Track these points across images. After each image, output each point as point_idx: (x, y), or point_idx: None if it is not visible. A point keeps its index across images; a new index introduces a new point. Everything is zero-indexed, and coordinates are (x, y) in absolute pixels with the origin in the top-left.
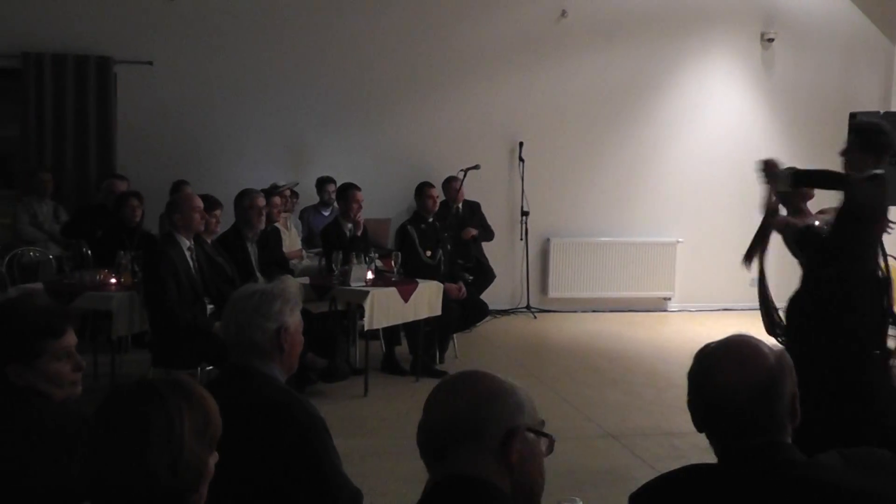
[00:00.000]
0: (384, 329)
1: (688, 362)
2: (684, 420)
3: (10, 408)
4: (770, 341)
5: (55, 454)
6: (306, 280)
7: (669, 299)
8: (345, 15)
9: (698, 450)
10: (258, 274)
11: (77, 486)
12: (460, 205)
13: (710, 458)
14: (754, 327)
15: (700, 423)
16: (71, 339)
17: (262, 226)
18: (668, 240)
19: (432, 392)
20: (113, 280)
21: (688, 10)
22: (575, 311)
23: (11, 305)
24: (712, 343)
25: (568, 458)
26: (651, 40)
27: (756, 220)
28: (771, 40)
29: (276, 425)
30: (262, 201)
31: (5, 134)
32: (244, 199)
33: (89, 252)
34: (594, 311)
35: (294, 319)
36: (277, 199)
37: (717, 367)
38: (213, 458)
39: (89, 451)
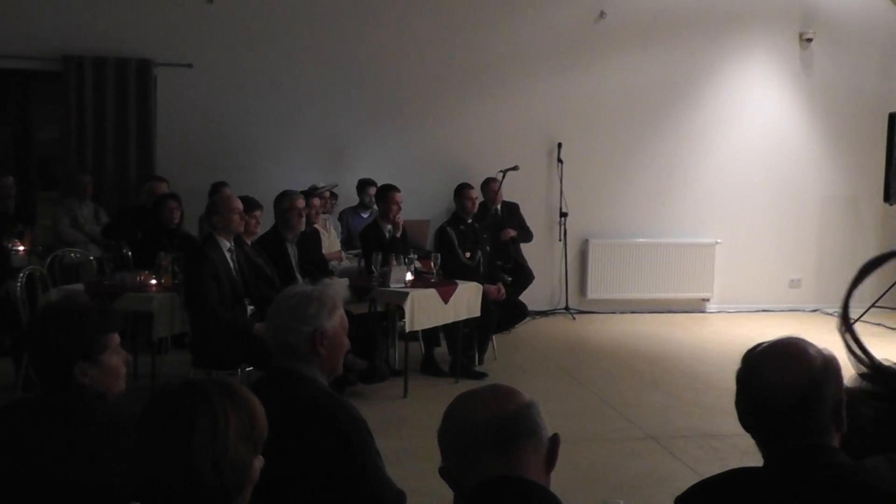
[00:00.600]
0: (423, 330)
1: (727, 364)
2: (724, 422)
3: (73, 406)
4: (821, 344)
5: (109, 453)
6: (346, 281)
7: (708, 300)
8: (384, 16)
9: (738, 452)
10: (298, 275)
11: (125, 485)
12: (499, 206)
13: (751, 460)
14: (793, 328)
15: (745, 424)
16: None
17: (302, 227)
18: (707, 241)
19: (468, 399)
20: (153, 281)
21: (726, 10)
22: (614, 313)
23: (71, 305)
24: (761, 344)
25: (609, 460)
26: (689, 40)
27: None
28: (809, 40)
29: (318, 428)
30: (301, 203)
31: (47, 136)
32: (284, 201)
33: (129, 253)
34: (633, 313)
35: (332, 323)
36: (317, 201)
37: (761, 367)
38: (259, 462)
39: (136, 449)
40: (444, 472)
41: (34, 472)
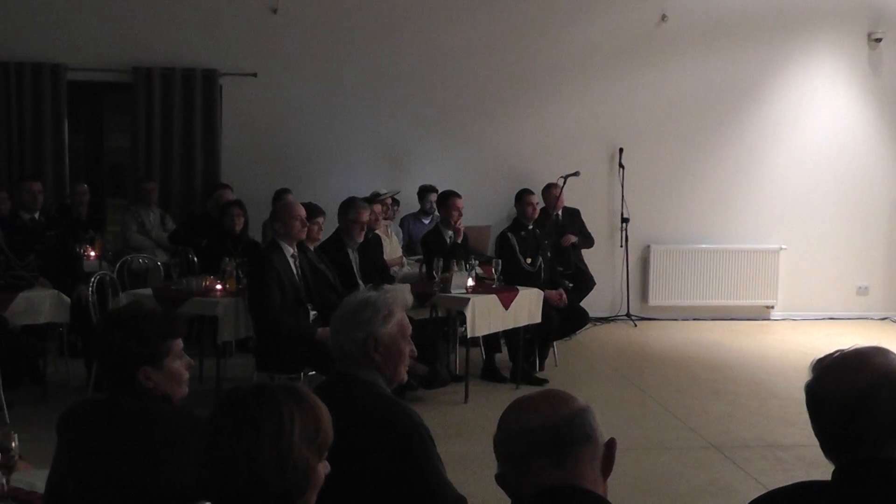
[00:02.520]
0: (484, 336)
1: (791, 373)
2: (789, 432)
3: (139, 408)
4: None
5: (174, 453)
6: (408, 287)
7: (772, 307)
8: (445, 23)
9: (803, 463)
10: (360, 281)
11: (192, 485)
12: (560, 212)
13: (817, 472)
14: (860, 337)
15: (816, 436)
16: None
17: (362, 239)
18: (771, 246)
19: (522, 406)
20: (218, 286)
21: (791, 10)
22: (675, 320)
23: (136, 311)
24: (834, 352)
25: (670, 470)
26: (752, 42)
27: (862, 225)
28: (878, 40)
29: (380, 433)
30: (365, 217)
31: (117, 145)
32: (349, 212)
33: (195, 259)
34: (695, 320)
35: (387, 329)
36: (378, 207)
37: (822, 376)
38: (324, 468)
39: (203, 449)
40: (501, 479)
41: (102, 470)
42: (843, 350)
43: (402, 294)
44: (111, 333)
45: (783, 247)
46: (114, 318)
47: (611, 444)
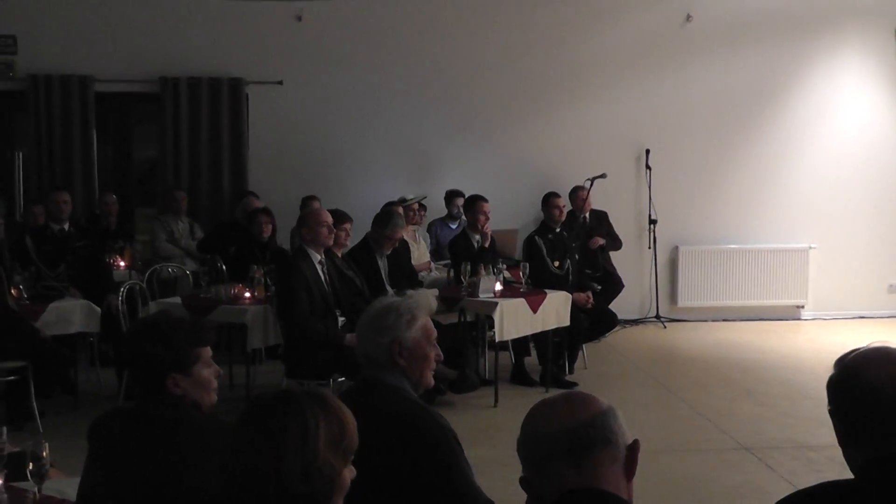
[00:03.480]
0: (513, 340)
1: (823, 372)
2: (821, 432)
3: (169, 415)
4: None
5: (203, 459)
6: (435, 292)
7: (803, 307)
8: (467, 29)
9: (836, 464)
10: (388, 287)
11: (219, 490)
12: (587, 214)
13: (849, 472)
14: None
15: (840, 432)
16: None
17: (390, 251)
18: (801, 245)
19: (543, 408)
20: (247, 294)
21: (816, 7)
22: (705, 321)
23: (164, 320)
24: (854, 350)
25: (701, 471)
26: (778, 40)
27: (892, 223)
28: None
29: (406, 437)
30: (400, 234)
31: (145, 155)
32: (387, 227)
33: (224, 267)
34: (725, 321)
35: (411, 333)
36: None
37: (856, 370)
38: (349, 472)
39: (229, 455)
40: (524, 483)
41: (133, 478)
42: (861, 348)
43: (427, 298)
44: (141, 341)
45: (813, 245)
46: (143, 326)
47: (633, 446)
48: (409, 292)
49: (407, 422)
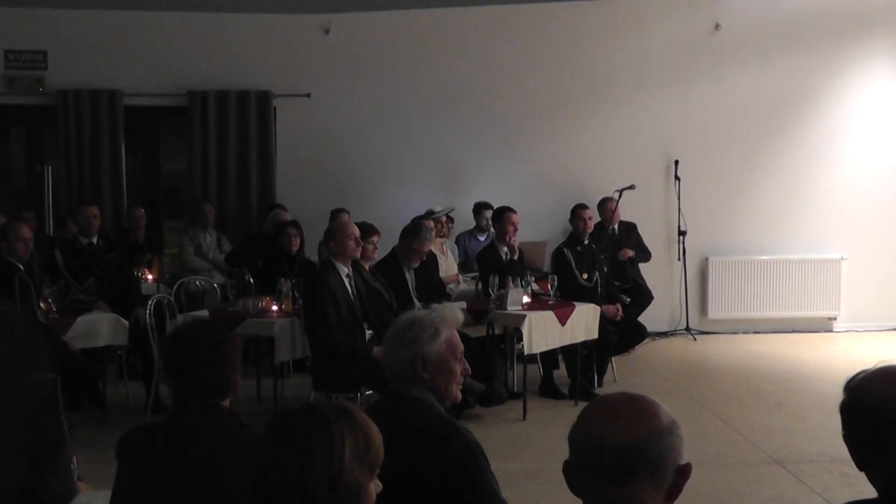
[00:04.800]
0: (541, 353)
1: None
2: None
3: (208, 428)
4: None
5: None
6: (463, 304)
7: (835, 319)
8: (496, 40)
9: None
10: (415, 300)
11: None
12: (616, 226)
13: None
14: None
15: (853, 456)
16: None
17: (417, 264)
18: (832, 256)
19: (601, 409)
20: (274, 307)
21: (847, 13)
22: (736, 333)
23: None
24: (862, 371)
25: (733, 485)
26: (808, 48)
27: None
28: None
29: (432, 451)
30: (428, 248)
31: (174, 168)
32: (415, 240)
33: (252, 280)
34: (756, 333)
35: (434, 348)
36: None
37: (858, 392)
38: (375, 486)
39: (256, 468)
40: (567, 469)
41: (168, 488)
42: (868, 369)
43: (452, 312)
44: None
45: (844, 256)
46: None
47: (684, 470)
48: (435, 306)
49: (433, 435)
